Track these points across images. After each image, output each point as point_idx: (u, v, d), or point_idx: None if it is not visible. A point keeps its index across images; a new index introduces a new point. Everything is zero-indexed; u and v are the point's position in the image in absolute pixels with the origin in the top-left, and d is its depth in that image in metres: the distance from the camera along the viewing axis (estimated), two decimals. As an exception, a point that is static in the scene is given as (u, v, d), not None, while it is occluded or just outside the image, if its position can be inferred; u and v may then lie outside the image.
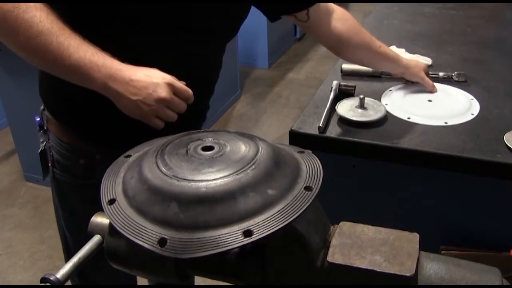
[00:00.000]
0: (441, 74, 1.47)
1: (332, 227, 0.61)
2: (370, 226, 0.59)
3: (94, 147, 1.06)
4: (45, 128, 1.12)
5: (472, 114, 1.26)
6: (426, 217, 1.21)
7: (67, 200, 1.17)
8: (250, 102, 3.71)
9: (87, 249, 0.59)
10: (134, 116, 0.90)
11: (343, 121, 1.23)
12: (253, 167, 0.56)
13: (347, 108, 1.25)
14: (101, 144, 1.05)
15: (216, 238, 0.51)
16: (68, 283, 0.58)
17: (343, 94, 1.35)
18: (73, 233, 1.20)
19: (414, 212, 1.21)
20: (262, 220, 0.52)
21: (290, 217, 0.52)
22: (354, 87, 1.37)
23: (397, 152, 1.14)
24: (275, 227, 0.51)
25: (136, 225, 0.54)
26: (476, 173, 1.10)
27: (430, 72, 1.42)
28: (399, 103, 1.32)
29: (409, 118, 1.25)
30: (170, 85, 0.88)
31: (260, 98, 3.76)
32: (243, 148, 0.60)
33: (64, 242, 1.25)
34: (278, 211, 0.53)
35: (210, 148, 0.60)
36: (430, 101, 1.34)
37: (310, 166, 0.60)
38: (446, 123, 1.22)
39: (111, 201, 0.57)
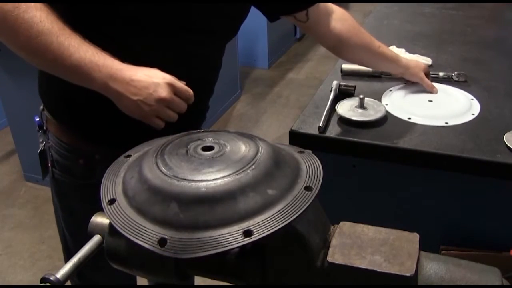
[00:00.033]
0: (441, 74, 1.47)
1: (332, 227, 0.61)
2: (370, 226, 0.59)
3: (94, 147, 1.06)
4: (44, 128, 1.12)
5: (473, 114, 1.26)
6: (426, 217, 1.21)
7: (66, 200, 1.17)
8: (250, 102, 3.71)
9: (87, 249, 0.59)
10: (135, 116, 0.90)
11: (343, 121, 1.23)
12: (253, 167, 0.56)
13: (347, 108, 1.25)
14: (101, 144, 1.05)
15: (216, 238, 0.51)
16: (68, 283, 0.58)
17: (343, 94, 1.35)
18: (72, 233, 1.20)
19: (414, 212, 1.21)
20: (262, 220, 0.52)
21: (290, 217, 0.52)
22: (354, 87, 1.37)
23: (397, 152, 1.14)
24: (275, 227, 0.51)
25: (136, 225, 0.54)
26: (476, 173, 1.10)
27: (430, 72, 1.42)
28: (399, 103, 1.32)
29: (409, 118, 1.25)
30: (171, 85, 0.88)
31: (260, 98, 3.76)
32: (243, 148, 0.60)
33: (63, 242, 1.25)
34: (278, 211, 0.53)
35: (210, 148, 0.60)
36: (430, 101, 1.34)
37: (310, 166, 0.60)
38: (446, 123, 1.22)
39: (111, 201, 0.57)
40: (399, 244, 0.57)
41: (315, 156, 0.63)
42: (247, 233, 0.51)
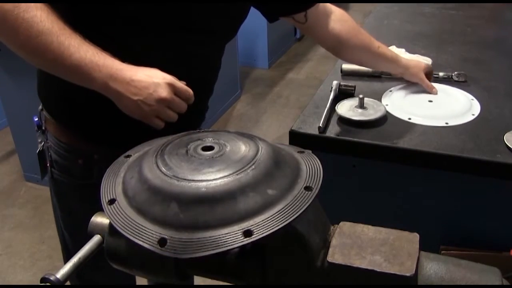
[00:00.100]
0: (441, 74, 1.47)
1: (332, 227, 0.61)
2: (370, 226, 0.59)
3: (93, 147, 1.06)
4: (43, 128, 1.12)
5: (473, 115, 1.26)
6: (426, 217, 1.21)
7: (65, 200, 1.17)
8: (250, 102, 3.71)
9: (87, 249, 0.59)
10: (135, 116, 0.90)
11: (343, 121, 1.23)
12: (253, 167, 0.56)
13: (347, 108, 1.25)
14: (100, 144, 1.05)
15: (216, 238, 0.51)
16: (68, 283, 0.58)
17: (343, 94, 1.35)
18: (71, 233, 1.20)
19: (414, 212, 1.21)
20: (262, 220, 0.52)
21: (290, 217, 0.52)
22: (354, 87, 1.37)
23: (397, 152, 1.14)
24: (275, 227, 0.51)
25: (136, 225, 0.54)
26: (476, 173, 1.10)
27: (433, 71, 1.42)
28: (399, 104, 1.32)
29: (409, 118, 1.24)
30: (171, 85, 0.88)
31: (260, 98, 3.76)
32: (243, 148, 0.60)
33: (62, 242, 1.25)
34: (278, 211, 0.53)
35: (210, 148, 0.61)
36: (430, 101, 1.34)
37: (310, 166, 0.60)
38: (447, 123, 1.22)
39: (111, 201, 0.57)
40: (399, 244, 0.57)
41: (315, 156, 0.63)
42: (247, 233, 0.51)
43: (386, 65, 1.34)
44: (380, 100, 1.33)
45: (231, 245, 0.50)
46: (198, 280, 0.76)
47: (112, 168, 0.64)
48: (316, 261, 0.57)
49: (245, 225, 0.52)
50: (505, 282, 0.55)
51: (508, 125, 1.19)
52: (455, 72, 1.47)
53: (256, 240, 0.50)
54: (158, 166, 0.57)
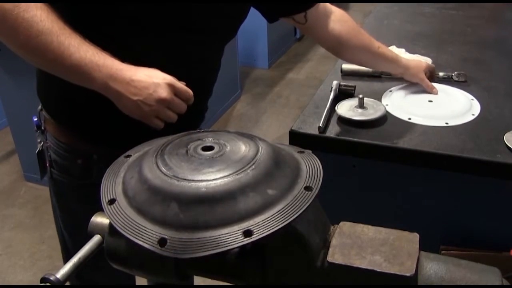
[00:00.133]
0: (441, 74, 1.47)
1: (332, 227, 0.61)
2: (370, 226, 0.59)
3: (92, 147, 1.06)
4: (42, 128, 1.12)
5: (473, 115, 1.26)
6: (426, 217, 1.21)
7: (64, 200, 1.17)
8: (250, 102, 3.71)
9: (87, 249, 0.59)
10: (134, 116, 0.90)
11: (343, 121, 1.23)
12: (253, 167, 0.56)
13: (347, 108, 1.25)
14: (100, 144, 1.05)
15: (216, 238, 0.51)
16: (67, 283, 0.58)
17: (343, 94, 1.35)
18: (71, 233, 1.20)
19: (414, 212, 1.21)
20: (262, 220, 0.52)
21: (290, 217, 0.52)
22: (354, 87, 1.37)
23: (397, 152, 1.14)
24: (275, 227, 0.51)
25: (136, 225, 0.54)
26: (476, 173, 1.10)
27: (435, 71, 1.42)
28: (399, 104, 1.32)
29: (409, 118, 1.24)
30: (171, 86, 0.88)
31: (260, 98, 3.76)
32: (243, 148, 0.60)
33: (62, 242, 1.25)
34: (278, 211, 0.53)
35: (210, 148, 0.61)
36: (430, 101, 1.34)
37: (310, 166, 0.60)
38: (447, 123, 1.22)
39: (111, 201, 0.57)
40: (399, 244, 0.57)
41: (315, 156, 0.63)
42: (247, 233, 0.51)
43: (386, 65, 1.34)
44: (380, 100, 1.33)
45: (231, 245, 0.50)
46: (198, 280, 0.76)
47: (112, 168, 0.64)
48: (316, 261, 0.57)
49: (245, 225, 0.52)
50: (505, 282, 0.55)
51: (508, 125, 1.19)
52: (455, 72, 1.47)
53: (256, 240, 0.50)
54: (158, 166, 0.57)
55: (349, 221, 0.61)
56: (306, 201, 0.54)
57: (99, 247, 0.61)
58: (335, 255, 0.56)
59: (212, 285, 1.01)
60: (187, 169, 0.56)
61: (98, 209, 0.62)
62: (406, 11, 2.19)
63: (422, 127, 1.21)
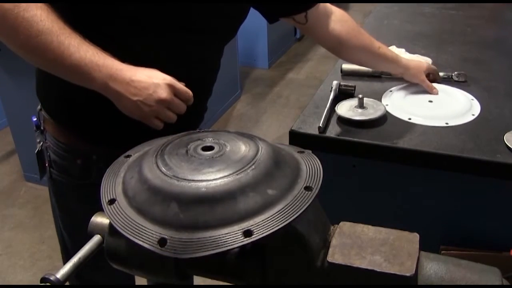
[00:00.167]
0: (441, 74, 1.47)
1: (332, 227, 0.61)
2: (370, 226, 0.59)
3: (91, 147, 1.06)
4: (42, 128, 1.12)
5: (473, 115, 1.26)
6: (426, 217, 1.21)
7: (64, 200, 1.17)
8: (250, 102, 3.71)
9: (87, 249, 0.59)
10: (134, 117, 0.90)
11: (343, 121, 1.23)
12: (253, 167, 0.56)
13: (347, 108, 1.25)
14: (99, 144, 1.05)
15: (216, 238, 0.51)
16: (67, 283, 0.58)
17: (343, 94, 1.35)
18: (70, 233, 1.20)
19: (414, 212, 1.21)
20: (262, 220, 0.52)
21: (290, 217, 0.52)
22: (354, 87, 1.37)
23: (397, 152, 1.14)
24: (275, 227, 0.51)
25: (136, 225, 0.54)
26: (476, 173, 1.10)
27: (437, 71, 1.42)
28: (399, 104, 1.32)
29: (409, 118, 1.24)
30: (171, 86, 0.88)
31: (260, 98, 3.76)
32: (243, 148, 0.60)
33: (61, 242, 1.25)
34: (278, 211, 0.53)
35: (210, 148, 0.60)
36: (431, 101, 1.34)
37: (310, 166, 0.60)
38: (447, 123, 1.22)
39: (111, 201, 0.57)
40: (399, 244, 0.57)
41: (315, 156, 0.63)
42: (247, 233, 0.51)
43: (387, 65, 1.34)
44: (380, 100, 1.33)
45: (231, 245, 0.50)
46: (198, 280, 0.76)
47: (112, 168, 0.64)
48: (316, 261, 0.57)
49: (245, 225, 0.52)
50: (505, 282, 0.55)
51: (508, 125, 1.19)
52: (455, 72, 1.47)
53: (256, 240, 0.50)
54: (158, 166, 0.57)
55: (349, 221, 0.61)
56: (306, 201, 0.54)
57: (99, 247, 0.61)
58: (335, 255, 0.56)
59: (212, 285, 1.01)
60: (187, 169, 0.56)
61: (98, 209, 0.62)
62: (406, 11, 2.19)
63: (422, 127, 1.21)
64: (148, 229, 0.53)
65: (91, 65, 0.85)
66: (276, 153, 0.60)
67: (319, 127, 1.19)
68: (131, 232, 0.53)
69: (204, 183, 0.54)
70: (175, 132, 0.67)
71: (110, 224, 0.58)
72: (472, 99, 1.34)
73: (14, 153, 2.87)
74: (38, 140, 1.14)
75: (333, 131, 1.21)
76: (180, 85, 0.90)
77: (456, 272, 0.55)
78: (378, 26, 2.01)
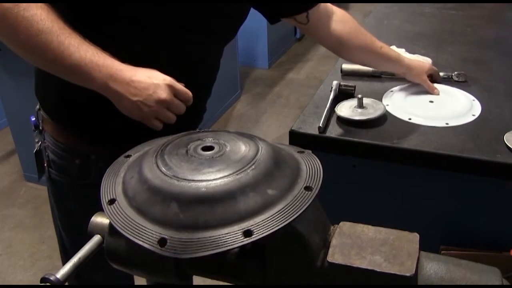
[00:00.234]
0: (441, 74, 1.47)
1: (332, 227, 0.61)
2: (370, 226, 0.59)
3: (90, 147, 1.06)
4: (40, 128, 1.12)
5: (473, 115, 1.25)
6: (426, 217, 1.21)
7: (63, 200, 1.17)
8: (250, 102, 3.71)
9: (87, 249, 0.59)
10: (134, 117, 0.90)
11: (342, 121, 1.23)
12: (253, 167, 0.56)
13: (346, 108, 1.25)
14: (98, 144, 1.05)
15: (216, 238, 0.51)
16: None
17: (343, 94, 1.35)
18: (69, 233, 1.20)
19: (414, 212, 1.21)
20: (262, 220, 0.52)
21: (290, 217, 0.52)
22: (354, 87, 1.37)
23: (397, 152, 1.14)
24: (275, 227, 0.51)
25: (136, 225, 0.54)
26: (476, 173, 1.10)
27: (438, 72, 1.42)
28: (400, 104, 1.32)
29: (410, 119, 1.24)
30: (171, 87, 0.88)
31: (260, 98, 3.76)
32: (243, 148, 0.60)
33: (60, 242, 1.25)
34: (278, 211, 0.53)
35: (210, 148, 0.60)
36: (431, 102, 1.34)
37: (310, 166, 0.60)
38: (447, 124, 1.21)
39: (111, 201, 0.57)
40: (399, 244, 0.57)
41: (315, 156, 0.63)
42: (247, 233, 0.51)
43: (389, 65, 1.34)
44: (380, 100, 1.33)
45: (231, 245, 0.50)
46: (198, 280, 0.76)
47: (112, 168, 0.64)
48: (316, 261, 0.57)
49: (245, 225, 0.51)
50: (505, 282, 0.55)
51: (508, 125, 1.19)
52: (455, 72, 1.47)
53: (256, 240, 0.50)
54: (158, 166, 0.57)
55: (349, 221, 0.61)
56: (306, 201, 0.54)
57: (99, 247, 0.61)
58: (335, 255, 0.56)
59: (212, 285, 1.01)
60: (187, 169, 0.56)
61: (96, 209, 0.62)
62: (406, 11, 2.19)
63: (422, 127, 1.21)
64: (148, 229, 0.53)
65: (91, 65, 0.85)
66: (276, 153, 0.60)
67: (319, 127, 1.19)
68: (131, 232, 0.53)
69: (204, 183, 0.54)
70: (175, 133, 0.67)
71: (110, 224, 0.58)
72: (473, 100, 1.33)
73: (14, 153, 2.87)
74: (36, 140, 1.14)
75: (333, 131, 1.21)
76: (180, 86, 0.90)
77: (456, 272, 0.55)
78: (378, 26, 2.01)
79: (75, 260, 0.57)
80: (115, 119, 0.92)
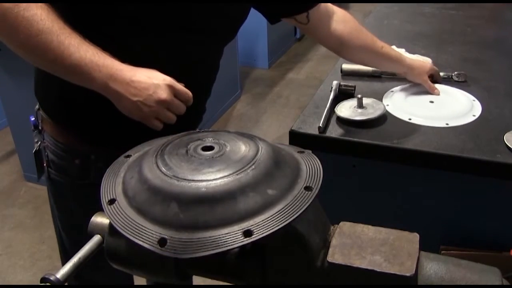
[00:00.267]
0: (441, 74, 1.47)
1: (332, 227, 0.61)
2: (370, 226, 0.59)
3: (90, 147, 1.06)
4: (40, 128, 1.12)
5: (474, 116, 1.25)
6: (426, 217, 1.21)
7: (62, 200, 1.17)
8: (250, 102, 3.71)
9: (87, 249, 0.59)
10: (134, 117, 0.90)
11: (342, 121, 1.23)
12: (253, 167, 0.56)
13: (346, 108, 1.25)
14: (98, 144, 1.05)
15: (216, 238, 0.51)
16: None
17: (343, 94, 1.35)
18: (68, 233, 1.20)
19: (414, 212, 1.21)
20: (262, 220, 0.52)
21: (290, 217, 0.52)
22: (354, 87, 1.36)
23: (397, 152, 1.14)
24: (275, 227, 0.51)
25: (136, 225, 0.54)
26: (476, 173, 1.10)
27: (439, 72, 1.42)
28: (400, 104, 1.32)
29: (410, 119, 1.24)
30: (171, 87, 0.88)
31: (260, 98, 3.76)
32: (243, 148, 0.60)
33: (60, 242, 1.25)
34: (278, 211, 0.53)
35: (210, 148, 0.60)
36: (432, 102, 1.34)
37: (310, 166, 0.60)
38: (447, 124, 1.21)
39: (111, 201, 0.57)
40: (399, 244, 0.57)
41: (315, 156, 0.63)
42: (247, 233, 0.51)
43: (390, 65, 1.33)
44: (381, 100, 1.33)
45: (231, 245, 0.50)
46: (198, 280, 0.76)
47: (112, 168, 0.64)
48: (316, 261, 0.57)
49: (245, 225, 0.51)
50: (505, 282, 0.55)
51: (508, 125, 1.19)
52: (455, 72, 1.47)
53: (256, 240, 0.50)
54: (158, 166, 0.57)
55: (349, 221, 0.61)
56: (306, 201, 0.54)
57: (99, 247, 0.61)
58: (335, 255, 0.56)
59: (212, 285, 1.01)
60: (187, 169, 0.56)
61: (96, 209, 0.62)
62: (406, 11, 2.19)
63: (422, 127, 1.21)
64: (148, 229, 0.53)
65: (91, 65, 0.85)
66: (276, 153, 0.60)
67: (319, 127, 1.19)
68: (131, 232, 0.53)
69: (204, 183, 0.54)
70: (174, 133, 0.67)
71: (110, 224, 0.58)
72: (474, 100, 1.33)
73: (14, 153, 2.87)
74: (36, 140, 1.14)
75: (333, 131, 1.21)
76: (180, 86, 0.90)
77: (456, 272, 0.55)
78: (378, 26, 2.01)
79: (75, 260, 0.57)
80: (115, 119, 0.92)
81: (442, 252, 1.14)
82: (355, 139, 1.17)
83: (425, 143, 1.14)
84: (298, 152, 0.64)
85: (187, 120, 0.95)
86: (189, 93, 0.91)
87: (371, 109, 1.24)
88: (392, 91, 1.39)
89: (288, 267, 0.58)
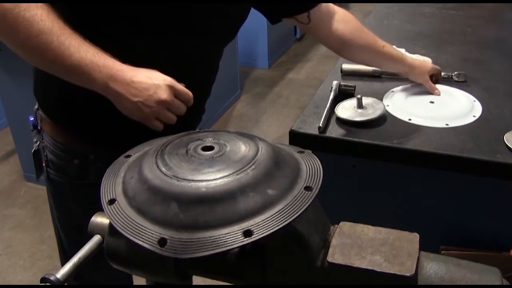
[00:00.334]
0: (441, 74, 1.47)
1: (332, 227, 0.61)
2: (370, 226, 0.59)
3: (89, 147, 1.06)
4: (39, 128, 1.12)
5: (474, 116, 1.25)
6: (426, 217, 1.21)
7: (61, 200, 1.17)
8: (250, 102, 3.71)
9: (87, 249, 0.59)
10: (134, 118, 0.90)
11: (342, 121, 1.23)
12: (253, 167, 0.56)
13: (346, 108, 1.25)
14: (98, 144, 1.05)
15: (216, 238, 0.51)
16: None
17: (343, 94, 1.35)
18: (67, 233, 1.20)
19: (414, 212, 1.21)
20: (262, 220, 0.52)
21: (290, 217, 0.52)
22: (354, 87, 1.36)
23: (397, 152, 1.14)
24: (275, 227, 0.51)
25: (136, 225, 0.54)
26: (476, 173, 1.10)
27: (441, 72, 1.42)
28: (400, 105, 1.32)
29: (410, 119, 1.24)
30: (171, 87, 0.88)
31: (260, 98, 3.76)
32: (243, 148, 0.60)
33: (59, 242, 1.25)
34: (278, 211, 0.53)
35: (210, 148, 0.61)
36: (432, 102, 1.34)
37: (310, 166, 0.60)
38: (447, 124, 1.21)
39: (111, 201, 0.57)
40: (399, 244, 0.57)
41: (315, 156, 0.63)
42: (247, 233, 0.51)
43: (391, 64, 1.33)
44: (381, 100, 1.33)
45: (231, 245, 0.50)
46: (198, 280, 0.76)
47: (112, 168, 0.64)
48: (316, 261, 0.57)
49: (245, 225, 0.52)
50: (505, 282, 0.55)
51: (508, 125, 1.19)
52: (455, 72, 1.47)
53: (256, 240, 0.50)
54: (158, 166, 0.57)
55: (349, 221, 0.61)
56: (306, 201, 0.54)
57: (99, 247, 0.61)
58: (335, 255, 0.56)
59: (212, 285, 1.01)
60: (187, 169, 0.56)
61: (96, 209, 0.62)
62: (406, 11, 2.19)
63: (422, 128, 1.21)
64: (148, 229, 0.53)
65: (91, 65, 0.85)
66: (276, 153, 0.60)
67: (319, 127, 1.19)
68: (131, 232, 0.53)
69: (204, 183, 0.54)
70: (174, 133, 0.67)
71: (110, 224, 0.58)
72: (474, 101, 1.33)
73: (14, 153, 2.87)
74: (35, 140, 1.14)
75: (333, 131, 1.21)
76: (180, 86, 0.90)
77: (456, 272, 0.55)
78: (378, 26, 2.01)
79: (75, 260, 0.57)
80: (115, 119, 0.92)
81: (442, 252, 1.14)
82: (355, 139, 1.17)
83: (425, 143, 1.14)
84: (298, 152, 0.65)
85: (187, 121, 0.95)
86: (190, 93, 0.91)
87: (371, 109, 1.24)
88: (392, 91, 1.39)
89: (288, 267, 0.58)
